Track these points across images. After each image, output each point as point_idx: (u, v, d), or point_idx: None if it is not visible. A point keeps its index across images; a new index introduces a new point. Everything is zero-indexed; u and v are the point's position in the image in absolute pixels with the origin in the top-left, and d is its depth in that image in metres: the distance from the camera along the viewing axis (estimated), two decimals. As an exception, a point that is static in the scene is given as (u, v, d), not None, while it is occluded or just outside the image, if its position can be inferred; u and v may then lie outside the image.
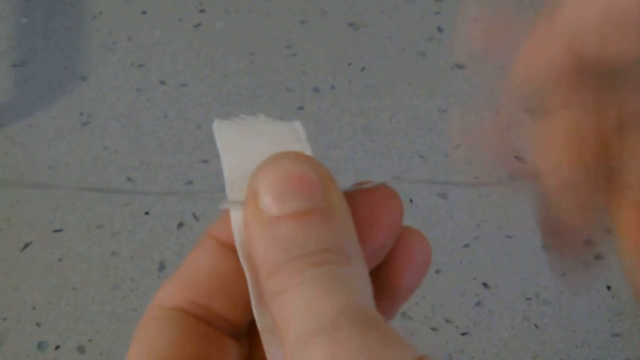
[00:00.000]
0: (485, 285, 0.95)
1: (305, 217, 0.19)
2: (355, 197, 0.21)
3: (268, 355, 0.20)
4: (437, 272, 0.93)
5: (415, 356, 0.18)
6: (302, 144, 0.22)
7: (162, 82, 1.17)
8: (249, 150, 0.21)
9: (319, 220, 0.19)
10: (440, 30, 1.23)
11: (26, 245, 0.99)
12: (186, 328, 0.21)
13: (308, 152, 0.21)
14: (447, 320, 0.92)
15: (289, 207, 0.19)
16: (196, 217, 1.01)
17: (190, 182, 1.05)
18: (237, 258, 0.21)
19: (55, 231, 1.00)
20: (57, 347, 0.91)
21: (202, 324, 0.21)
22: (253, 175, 0.20)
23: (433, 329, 0.91)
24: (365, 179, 1.09)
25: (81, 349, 0.91)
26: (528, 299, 0.94)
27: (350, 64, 1.18)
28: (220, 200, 0.21)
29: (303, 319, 0.18)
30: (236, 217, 0.21)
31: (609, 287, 0.94)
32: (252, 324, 0.22)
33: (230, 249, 0.22)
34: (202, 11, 1.26)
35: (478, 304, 0.94)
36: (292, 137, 0.22)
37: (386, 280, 0.22)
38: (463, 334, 0.92)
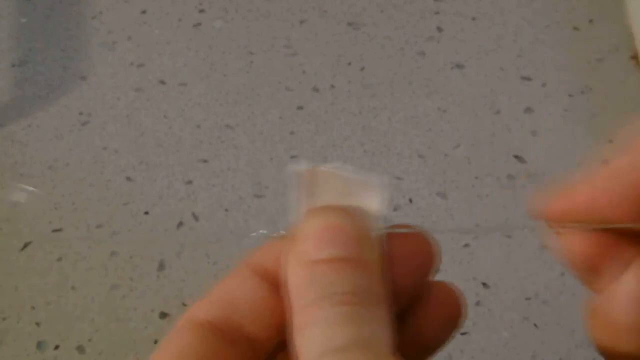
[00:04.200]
0: (484, 285, 0.95)
1: (339, 263, 0.21)
2: (390, 239, 0.23)
3: None
4: (436, 271, 0.93)
5: None
6: (374, 199, 0.23)
7: (162, 82, 1.17)
8: (324, 198, 0.23)
9: (350, 267, 0.21)
10: (439, 29, 1.23)
11: (26, 245, 0.99)
12: (211, 345, 0.22)
13: (378, 206, 0.23)
14: (446, 320, 0.92)
15: (327, 253, 0.21)
16: (196, 217, 1.01)
17: (189, 182, 1.05)
18: (269, 287, 0.23)
19: (54, 231, 1.00)
20: (56, 347, 0.91)
21: (227, 345, 0.22)
22: (301, 222, 0.22)
23: (432, 328, 0.91)
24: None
25: (80, 349, 0.91)
26: (527, 298, 0.94)
27: (349, 64, 1.19)
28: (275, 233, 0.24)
29: (315, 344, 0.20)
30: None
31: (608, 287, 0.94)
32: (275, 351, 0.23)
33: (264, 278, 0.23)
34: (201, 11, 1.26)
35: (477, 303, 0.94)
36: (368, 191, 0.23)
37: (416, 331, 0.24)
38: (462, 333, 0.92)
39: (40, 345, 0.91)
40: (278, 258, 0.23)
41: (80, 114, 1.13)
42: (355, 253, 0.22)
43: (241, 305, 0.23)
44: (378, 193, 0.23)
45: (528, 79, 1.16)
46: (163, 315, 0.93)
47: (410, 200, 1.02)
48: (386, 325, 0.21)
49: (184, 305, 0.94)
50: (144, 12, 1.26)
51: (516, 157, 1.07)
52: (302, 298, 0.21)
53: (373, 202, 0.23)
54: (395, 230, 0.23)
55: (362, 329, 0.20)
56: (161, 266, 0.97)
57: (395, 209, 1.01)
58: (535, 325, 0.92)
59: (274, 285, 0.23)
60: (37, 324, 0.93)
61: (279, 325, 0.23)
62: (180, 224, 1.01)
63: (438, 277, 0.25)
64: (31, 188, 1.02)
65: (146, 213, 1.02)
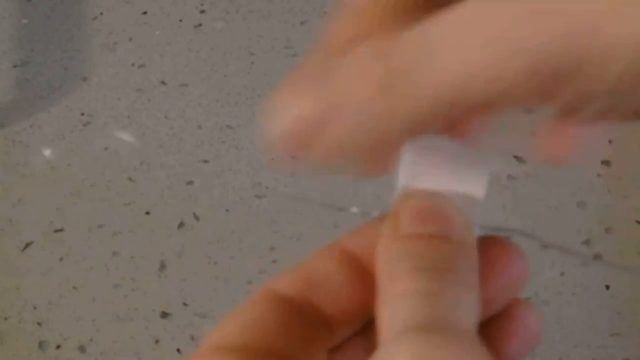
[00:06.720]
0: (484, 284, 0.95)
1: (434, 239, 0.21)
2: (488, 243, 0.23)
3: None
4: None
5: None
6: (478, 172, 0.23)
7: (163, 83, 1.17)
8: (427, 174, 0.23)
9: (446, 246, 0.21)
10: (440, 30, 1.23)
11: (27, 245, 1.00)
12: (286, 319, 0.22)
13: (483, 179, 0.23)
14: (446, 320, 0.92)
15: (421, 229, 0.21)
16: (197, 217, 1.02)
17: (190, 182, 1.05)
18: (355, 272, 0.23)
19: (56, 231, 1.01)
20: (58, 347, 0.91)
21: (302, 322, 0.22)
22: (399, 201, 0.22)
23: (433, 328, 0.92)
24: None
25: (82, 349, 0.91)
26: (527, 298, 0.94)
27: (350, 65, 1.19)
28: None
29: (399, 317, 0.20)
30: None
31: (607, 287, 0.95)
32: (349, 338, 0.23)
33: (352, 263, 0.23)
34: (202, 12, 1.27)
35: (477, 303, 0.94)
36: (473, 164, 0.23)
37: (493, 344, 0.23)
38: (462, 333, 0.92)
39: (42, 345, 0.91)
40: (369, 245, 0.22)
41: (82, 114, 1.14)
42: (452, 233, 0.21)
43: (323, 285, 0.23)
44: (483, 179, 0.23)
45: (528, 79, 1.16)
46: (164, 315, 0.93)
47: (411, 201, 1.02)
48: (473, 310, 0.20)
49: (185, 305, 0.94)
50: (144, 13, 1.27)
51: (516, 157, 1.07)
52: (391, 270, 0.21)
53: (476, 188, 0.23)
54: (493, 235, 0.23)
55: (450, 309, 0.20)
56: (162, 266, 0.97)
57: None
58: (535, 325, 0.93)
59: (361, 271, 0.23)
60: (39, 323, 0.93)
61: (358, 312, 0.22)
62: (181, 224, 1.01)
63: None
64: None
65: (147, 213, 1.02)
